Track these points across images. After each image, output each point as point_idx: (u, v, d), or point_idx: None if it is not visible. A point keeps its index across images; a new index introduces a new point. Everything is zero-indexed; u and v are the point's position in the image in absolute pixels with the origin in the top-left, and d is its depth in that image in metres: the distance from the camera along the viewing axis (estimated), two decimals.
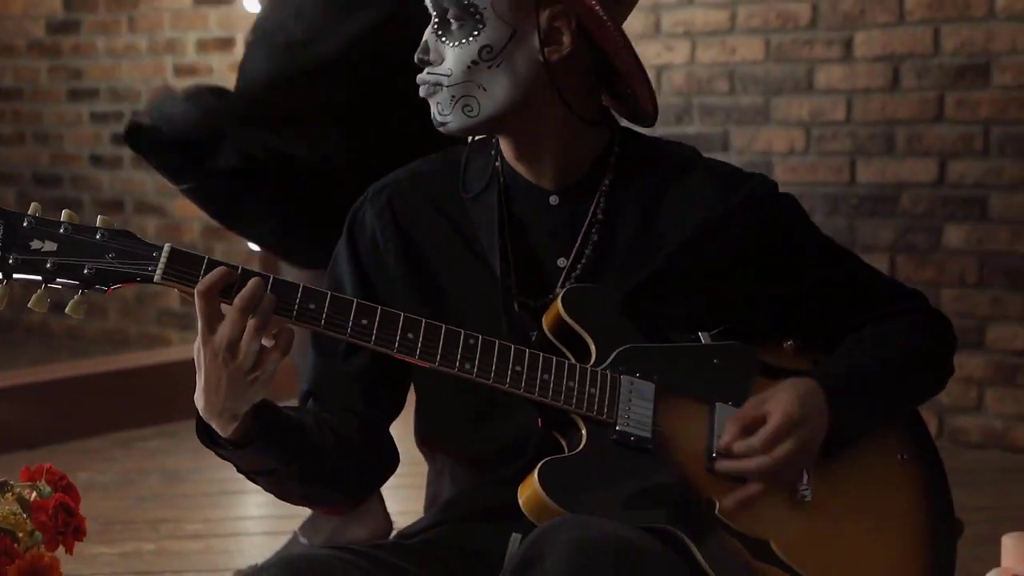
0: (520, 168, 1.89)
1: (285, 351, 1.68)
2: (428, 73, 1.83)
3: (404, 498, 1.91)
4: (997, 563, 2.16)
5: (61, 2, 6.24)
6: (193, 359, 1.70)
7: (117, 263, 1.67)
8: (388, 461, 1.92)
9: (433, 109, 1.83)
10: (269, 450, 1.75)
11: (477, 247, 1.87)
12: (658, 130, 1.96)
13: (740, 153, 4.64)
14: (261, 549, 3.33)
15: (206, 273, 1.67)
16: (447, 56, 1.81)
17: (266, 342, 1.68)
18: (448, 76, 1.81)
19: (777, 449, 1.75)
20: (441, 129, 1.84)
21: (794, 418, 1.76)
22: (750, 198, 1.89)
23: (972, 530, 2.34)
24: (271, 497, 1.86)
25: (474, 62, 1.80)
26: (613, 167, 1.88)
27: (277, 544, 3.20)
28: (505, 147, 1.89)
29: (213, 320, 1.66)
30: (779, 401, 1.78)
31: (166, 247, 1.67)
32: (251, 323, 1.66)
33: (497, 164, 1.90)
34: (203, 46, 5.85)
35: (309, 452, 1.79)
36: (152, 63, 6.00)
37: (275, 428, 1.74)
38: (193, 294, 1.67)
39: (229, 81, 3.29)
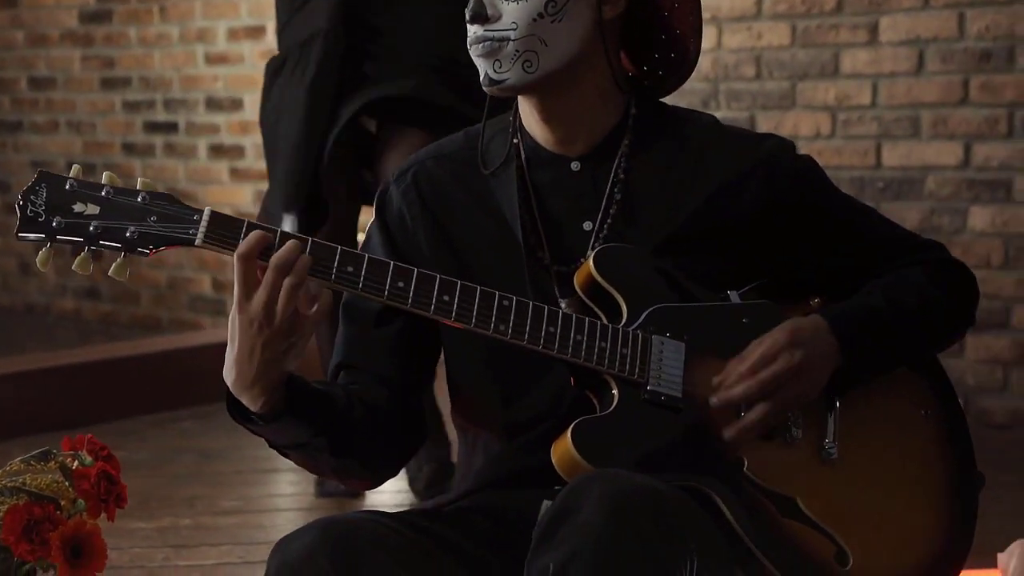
0: (544, 134, 1.86)
1: (324, 314, 1.66)
2: (487, 30, 1.77)
3: None
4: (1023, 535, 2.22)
5: None
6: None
7: (159, 226, 1.64)
8: (417, 434, 1.91)
9: (486, 68, 1.79)
10: (299, 423, 1.73)
11: (501, 220, 1.86)
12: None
13: None
14: (294, 524, 3.31)
15: (246, 236, 1.64)
16: (506, 11, 1.77)
17: (302, 309, 1.65)
18: (514, 30, 1.76)
19: (763, 372, 1.74)
20: (492, 89, 1.80)
21: (780, 343, 1.76)
22: (768, 158, 1.88)
23: (999, 506, 2.36)
24: (304, 474, 1.82)
25: (540, 15, 1.76)
26: (632, 129, 1.86)
27: (310, 519, 3.23)
28: (533, 110, 1.85)
29: (250, 285, 1.63)
30: (771, 333, 1.77)
31: (206, 211, 1.65)
32: (286, 283, 1.62)
33: (515, 140, 1.88)
34: (234, 34, 5.86)
35: (339, 424, 1.77)
36: (183, 52, 6.03)
37: (304, 401, 1.73)
38: (232, 257, 1.64)
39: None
